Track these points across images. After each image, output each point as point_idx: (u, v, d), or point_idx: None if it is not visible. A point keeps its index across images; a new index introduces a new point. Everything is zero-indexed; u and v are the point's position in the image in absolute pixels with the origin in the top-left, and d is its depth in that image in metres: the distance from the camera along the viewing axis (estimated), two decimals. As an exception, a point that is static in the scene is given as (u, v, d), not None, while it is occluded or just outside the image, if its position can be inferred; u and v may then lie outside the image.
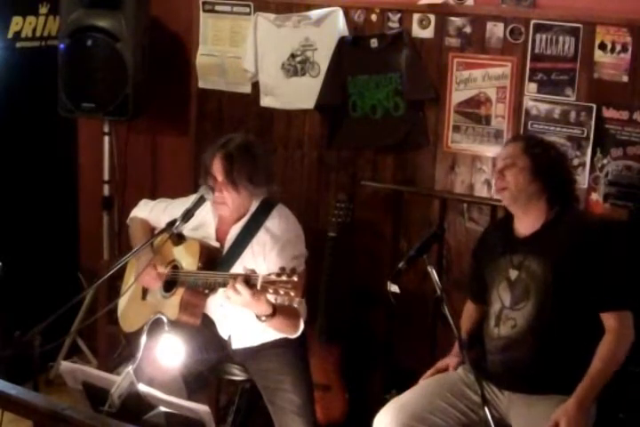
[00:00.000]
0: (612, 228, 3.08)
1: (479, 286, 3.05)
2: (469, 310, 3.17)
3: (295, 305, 2.73)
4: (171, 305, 3.04)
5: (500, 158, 2.96)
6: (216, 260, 3.08)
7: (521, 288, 2.85)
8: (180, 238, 3.02)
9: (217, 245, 3.14)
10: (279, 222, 3.10)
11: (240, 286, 2.70)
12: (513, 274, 2.88)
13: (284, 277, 2.63)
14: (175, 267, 3.12)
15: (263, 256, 3.05)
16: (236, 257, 3.08)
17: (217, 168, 3.02)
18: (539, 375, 2.81)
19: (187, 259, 3.07)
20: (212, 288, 2.96)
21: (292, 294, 2.62)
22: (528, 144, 2.93)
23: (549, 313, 2.80)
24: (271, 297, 2.74)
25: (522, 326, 2.83)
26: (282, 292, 2.63)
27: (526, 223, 2.90)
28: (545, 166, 2.88)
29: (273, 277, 2.65)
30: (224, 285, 2.84)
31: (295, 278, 2.62)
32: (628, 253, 3.10)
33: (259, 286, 2.68)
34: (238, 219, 3.12)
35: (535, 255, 2.83)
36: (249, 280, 2.72)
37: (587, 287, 2.78)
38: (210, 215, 3.17)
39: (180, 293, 3.03)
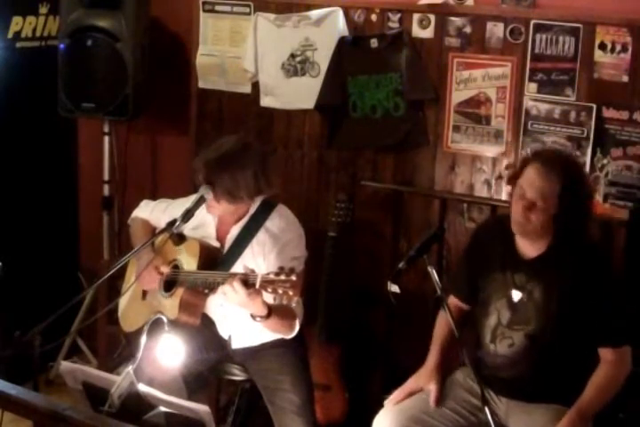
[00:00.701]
0: (612, 260, 3.00)
1: (471, 288, 2.96)
2: (454, 308, 2.99)
3: (293, 304, 2.73)
4: (170, 305, 3.04)
5: (534, 188, 2.68)
6: (216, 260, 3.08)
7: (522, 312, 2.77)
8: (180, 238, 3.02)
9: (217, 244, 3.14)
10: (279, 223, 3.10)
11: (237, 285, 2.71)
12: (515, 295, 2.80)
13: (282, 277, 2.63)
14: (175, 267, 3.12)
15: (263, 256, 3.05)
16: (236, 257, 3.08)
17: (200, 178, 2.99)
18: (537, 389, 2.78)
19: (187, 259, 3.07)
20: (212, 288, 2.96)
21: (291, 293, 2.63)
22: (567, 186, 2.66)
23: (549, 338, 2.75)
24: (269, 296, 2.75)
25: (519, 347, 2.78)
26: (280, 291, 2.64)
27: (531, 246, 2.80)
28: (570, 215, 2.70)
29: (271, 277, 2.66)
30: (224, 284, 2.84)
31: (294, 278, 2.62)
32: (629, 276, 3.11)
33: (257, 285, 2.68)
34: (238, 219, 3.12)
35: (539, 281, 2.75)
36: (247, 280, 2.72)
37: (588, 320, 2.72)
38: (209, 216, 3.16)
39: (179, 293, 3.03)
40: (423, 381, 2.92)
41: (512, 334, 2.79)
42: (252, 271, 2.75)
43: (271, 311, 2.84)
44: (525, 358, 2.78)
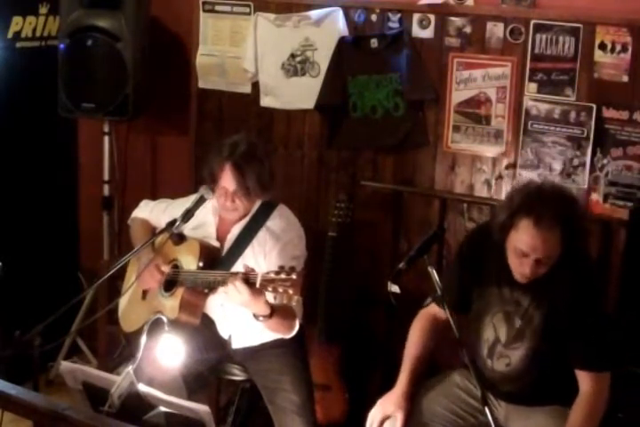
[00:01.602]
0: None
1: (461, 297, 2.85)
2: (435, 315, 2.91)
3: (293, 303, 2.72)
4: (170, 305, 3.04)
5: (536, 250, 2.56)
6: (216, 259, 3.08)
7: (519, 330, 2.73)
8: (180, 238, 3.02)
9: (217, 244, 3.14)
10: (280, 222, 3.10)
11: (240, 285, 2.71)
12: (511, 309, 2.74)
13: (282, 275, 2.63)
14: (175, 266, 3.12)
15: (264, 255, 3.05)
16: (236, 256, 3.08)
17: (228, 179, 2.99)
18: (536, 399, 2.76)
19: (187, 258, 3.07)
20: (212, 288, 2.96)
21: (291, 291, 2.63)
22: (566, 231, 2.55)
23: (547, 356, 2.70)
24: (270, 295, 2.75)
25: (516, 365, 2.74)
26: (280, 290, 2.63)
27: None
28: (571, 249, 2.61)
29: (272, 276, 2.66)
30: (223, 283, 2.85)
31: (294, 276, 2.62)
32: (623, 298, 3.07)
33: (258, 284, 2.68)
34: (240, 219, 3.12)
35: (536, 300, 2.69)
36: (248, 279, 2.72)
37: (574, 341, 2.66)
38: (210, 215, 3.17)
39: (179, 292, 3.03)
40: (390, 408, 2.83)
41: (509, 353, 2.75)
42: (252, 270, 2.75)
43: (274, 311, 2.84)
44: (523, 376, 2.74)
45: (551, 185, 2.71)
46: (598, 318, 2.69)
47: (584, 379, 2.66)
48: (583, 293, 2.67)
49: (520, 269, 2.63)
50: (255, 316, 2.85)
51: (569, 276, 2.66)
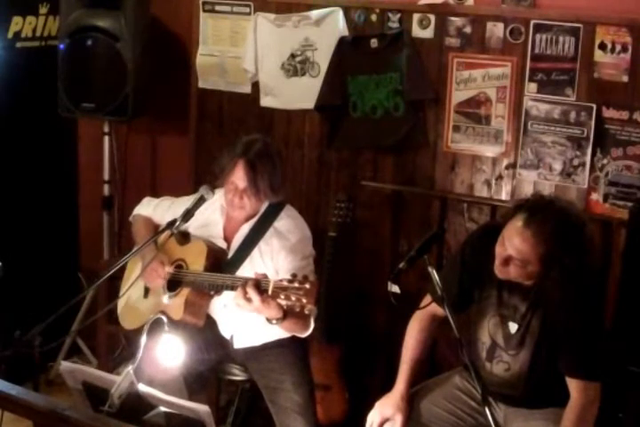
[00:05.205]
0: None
1: (461, 297, 2.84)
2: (432, 313, 2.91)
3: (306, 312, 2.66)
4: (175, 305, 3.03)
5: (512, 246, 2.57)
6: (222, 261, 3.07)
7: (517, 334, 2.72)
8: (185, 238, 3.01)
9: (224, 244, 3.12)
10: (287, 223, 3.09)
11: (251, 291, 2.68)
12: (506, 313, 2.74)
13: (295, 284, 2.59)
14: (179, 266, 3.11)
15: (271, 256, 3.04)
16: (244, 257, 3.07)
17: (239, 176, 2.98)
18: (534, 402, 2.76)
19: (193, 259, 3.06)
20: (219, 290, 2.94)
21: (304, 300, 2.58)
22: (549, 252, 2.54)
23: (544, 362, 2.70)
24: (282, 302, 2.69)
25: (516, 371, 2.74)
26: (293, 298, 2.59)
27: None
28: (558, 276, 2.58)
29: (285, 284, 2.62)
30: (232, 287, 2.83)
31: (307, 286, 2.58)
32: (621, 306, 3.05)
33: (270, 292, 2.65)
34: (247, 219, 3.11)
35: (534, 306, 2.69)
36: (260, 285, 2.69)
37: (565, 347, 2.66)
38: (217, 215, 3.16)
39: (184, 293, 3.02)
40: (389, 411, 2.84)
41: (509, 359, 2.75)
42: (265, 277, 2.72)
43: (287, 314, 2.78)
44: (522, 380, 2.74)
45: (567, 202, 2.73)
46: (592, 328, 2.67)
47: (573, 386, 2.66)
48: (580, 304, 2.65)
49: (497, 260, 2.64)
50: (268, 320, 2.81)
51: (568, 288, 2.63)
